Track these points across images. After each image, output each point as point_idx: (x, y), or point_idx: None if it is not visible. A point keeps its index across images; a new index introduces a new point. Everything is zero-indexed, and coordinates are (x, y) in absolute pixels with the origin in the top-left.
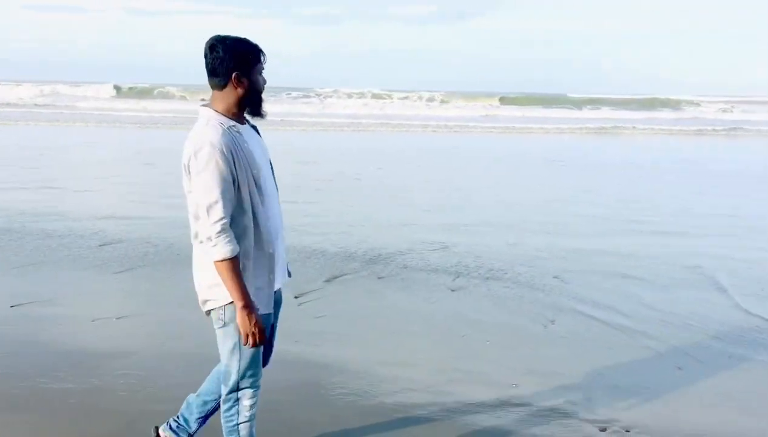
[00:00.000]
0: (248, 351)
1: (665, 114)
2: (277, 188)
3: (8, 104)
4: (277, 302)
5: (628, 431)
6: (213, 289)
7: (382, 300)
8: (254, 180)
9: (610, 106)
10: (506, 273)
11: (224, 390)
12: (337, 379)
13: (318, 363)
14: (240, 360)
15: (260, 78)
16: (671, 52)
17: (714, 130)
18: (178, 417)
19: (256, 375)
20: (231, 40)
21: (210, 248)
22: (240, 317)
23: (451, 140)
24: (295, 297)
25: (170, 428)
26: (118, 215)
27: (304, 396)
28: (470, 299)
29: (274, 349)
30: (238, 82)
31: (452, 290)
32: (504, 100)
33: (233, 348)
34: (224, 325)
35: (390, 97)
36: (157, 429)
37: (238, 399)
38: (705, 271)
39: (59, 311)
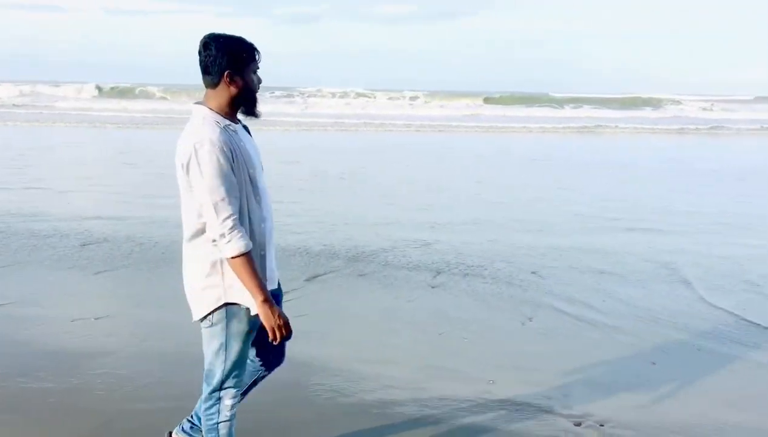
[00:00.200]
0: (234, 353)
1: (647, 113)
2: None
3: None
4: (278, 302)
5: (602, 425)
6: (205, 291)
7: (364, 298)
8: (251, 179)
9: (593, 105)
10: (486, 270)
11: (207, 389)
12: (318, 377)
13: (299, 361)
14: (225, 361)
15: (254, 77)
16: (652, 51)
17: (696, 129)
18: (191, 417)
19: (240, 376)
20: (225, 38)
21: (224, 246)
22: (262, 312)
23: (435, 139)
24: None
25: (183, 430)
26: (101, 215)
27: (285, 394)
28: (450, 296)
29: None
30: (231, 81)
31: (432, 287)
32: (487, 99)
33: (218, 349)
34: (211, 326)
35: (373, 96)
36: (170, 434)
37: (220, 398)
38: (677, 267)
39: (39, 312)
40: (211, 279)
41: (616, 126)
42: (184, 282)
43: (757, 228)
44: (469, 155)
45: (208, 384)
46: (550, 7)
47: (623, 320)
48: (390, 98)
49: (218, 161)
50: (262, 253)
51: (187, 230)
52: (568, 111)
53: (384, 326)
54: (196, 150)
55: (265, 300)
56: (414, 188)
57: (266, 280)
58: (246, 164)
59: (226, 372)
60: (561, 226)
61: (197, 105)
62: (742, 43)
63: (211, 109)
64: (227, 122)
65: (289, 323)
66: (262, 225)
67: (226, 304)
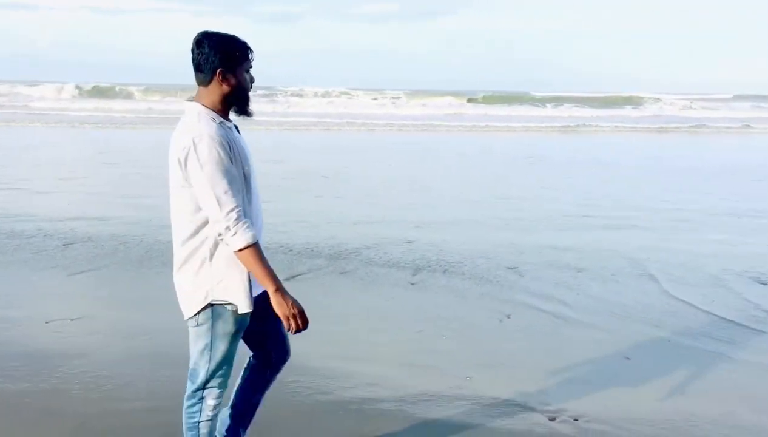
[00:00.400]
0: (218, 353)
1: (628, 112)
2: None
3: None
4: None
5: (576, 420)
6: (194, 290)
7: (344, 296)
8: (245, 177)
9: (574, 104)
10: (466, 267)
11: (191, 387)
12: (297, 375)
13: None
14: (209, 361)
15: (247, 76)
16: (631, 50)
17: (677, 127)
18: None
19: (224, 376)
20: (218, 36)
21: (230, 239)
22: (276, 301)
23: (418, 138)
24: None
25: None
26: (82, 215)
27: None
28: (429, 293)
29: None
30: (224, 79)
31: (412, 284)
32: (470, 98)
33: (204, 349)
34: (197, 325)
35: (355, 95)
36: None
37: (203, 397)
38: (651, 264)
39: (17, 313)
40: (200, 277)
41: (597, 125)
42: (176, 285)
43: (731, 224)
44: (451, 155)
45: (192, 383)
46: (529, 6)
47: (598, 316)
48: (372, 98)
49: (218, 154)
50: None
51: (180, 233)
52: (550, 110)
53: (364, 324)
54: (195, 144)
55: (278, 290)
56: (397, 187)
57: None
58: (242, 160)
59: (210, 372)
60: (541, 224)
61: (190, 102)
62: (720, 42)
63: (204, 106)
64: (221, 119)
65: (304, 312)
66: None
67: (213, 304)
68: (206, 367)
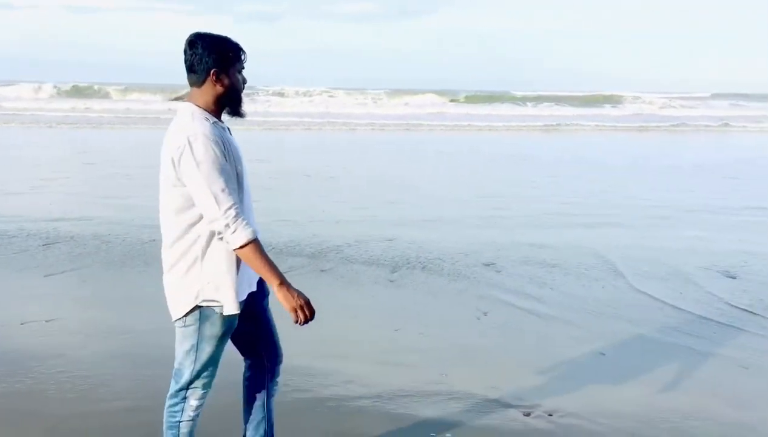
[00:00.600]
0: (204, 355)
1: (608, 110)
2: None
3: None
4: (260, 301)
5: (550, 415)
6: (183, 290)
7: (324, 294)
8: (238, 177)
9: (555, 103)
10: (444, 265)
11: (174, 386)
12: None
13: None
14: (194, 362)
15: (240, 77)
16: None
17: (658, 126)
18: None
19: (209, 377)
20: (211, 36)
21: (230, 237)
22: (281, 295)
23: (399, 137)
24: None
25: None
26: (64, 215)
27: (235, 389)
28: (407, 291)
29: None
30: (217, 80)
31: (391, 281)
32: (452, 97)
33: (189, 350)
34: (184, 326)
35: (336, 95)
36: None
37: (185, 398)
38: (626, 261)
39: None
40: (190, 278)
41: (578, 124)
42: (165, 285)
43: (706, 221)
44: (434, 154)
45: (176, 382)
46: (509, 5)
47: (573, 312)
48: (353, 97)
49: (214, 152)
50: None
51: (170, 232)
52: (531, 109)
53: (342, 322)
54: (190, 143)
55: (282, 283)
56: (379, 186)
57: (250, 280)
58: (236, 161)
59: (194, 373)
60: (521, 222)
61: (183, 102)
62: (698, 41)
63: (198, 106)
64: (214, 119)
65: (310, 303)
66: None
67: (201, 306)
68: (191, 368)
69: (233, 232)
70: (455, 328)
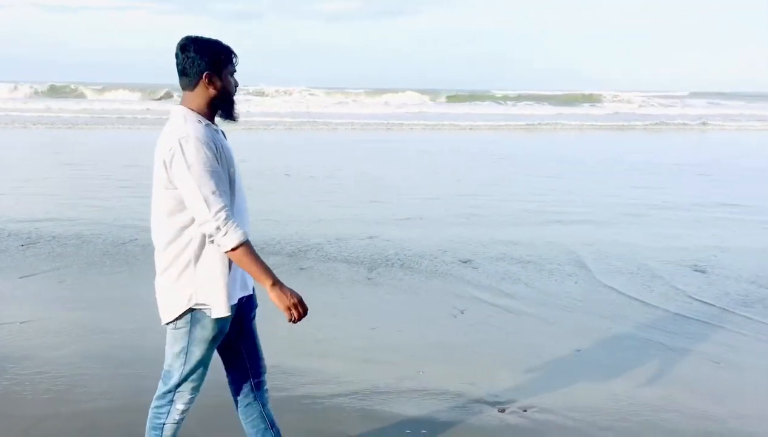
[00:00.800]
0: (194, 358)
1: (588, 109)
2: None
3: None
4: (251, 309)
5: (525, 411)
6: (175, 293)
7: (302, 292)
8: (230, 180)
9: (535, 102)
10: (423, 263)
11: (162, 388)
12: None
13: None
14: (184, 365)
15: (232, 80)
16: (589, 49)
17: (636, 125)
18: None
19: (198, 381)
20: (203, 40)
21: (221, 239)
22: (274, 295)
23: (380, 136)
24: None
25: None
26: (44, 216)
27: (216, 391)
28: (385, 289)
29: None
30: (210, 83)
31: (369, 279)
32: (433, 96)
33: (179, 352)
34: (175, 328)
35: (316, 94)
36: None
37: (173, 400)
38: (599, 258)
39: None
40: (182, 281)
41: (559, 123)
42: (157, 288)
43: (679, 217)
44: (415, 153)
45: (165, 384)
46: (492, 7)
47: (547, 309)
48: (333, 96)
49: (206, 154)
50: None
51: (162, 235)
52: (512, 108)
53: (319, 320)
54: (181, 145)
55: (275, 283)
56: (359, 185)
57: (244, 282)
58: (228, 163)
59: (183, 376)
60: (497, 219)
61: (176, 106)
62: (676, 41)
63: (191, 109)
64: (207, 121)
65: (303, 301)
66: None
67: (193, 309)
68: (180, 370)
69: (224, 235)
70: (432, 326)
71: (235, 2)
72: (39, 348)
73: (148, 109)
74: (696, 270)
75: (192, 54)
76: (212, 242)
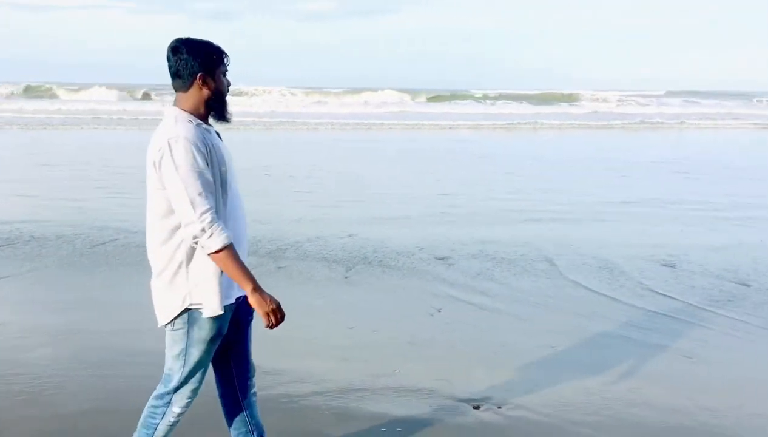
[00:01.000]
0: (193, 359)
1: (567, 108)
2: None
3: None
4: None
5: (500, 407)
6: (171, 294)
7: (280, 292)
8: (222, 180)
9: (514, 101)
10: (400, 259)
11: (161, 389)
12: None
13: None
14: (183, 366)
15: (224, 80)
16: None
17: (615, 124)
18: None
19: (197, 383)
20: (194, 41)
21: (205, 241)
22: (254, 300)
23: (360, 136)
24: None
25: None
26: (17, 218)
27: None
28: (362, 289)
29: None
30: (204, 83)
31: (346, 278)
32: (413, 96)
33: (179, 354)
34: (173, 330)
35: (296, 93)
36: None
37: (170, 403)
38: (573, 255)
39: None
40: (177, 282)
41: (538, 122)
42: (153, 290)
43: (651, 214)
44: (394, 153)
45: (165, 386)
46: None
47: (520, 306)
48: (312, 96)
49: (193, 156)
50: None
51: (155, 237)
52: (492, 108)
53: (297, 320)
54: (170, 146)
55: (255, 288)
56: (339, 184)
57: (226, 287)
58: (219, 162)
59: (182, 377)
60: (475, 218)
61: (169, 107)
62: (652, 41)
63: (183, 110)
64: (199, 121)
65: (281, 307)
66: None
67: (189, 309)
68: (180, 372)
69: (209, 237)
70: (408, 324)
71: (212, 1)
72: (14, 350)
73: (124, 109)
74: (664, 266)
75: (185, 56)
76: (196, 243)
